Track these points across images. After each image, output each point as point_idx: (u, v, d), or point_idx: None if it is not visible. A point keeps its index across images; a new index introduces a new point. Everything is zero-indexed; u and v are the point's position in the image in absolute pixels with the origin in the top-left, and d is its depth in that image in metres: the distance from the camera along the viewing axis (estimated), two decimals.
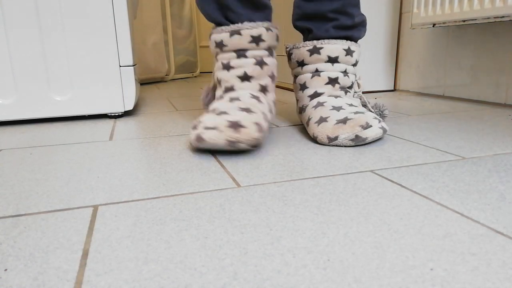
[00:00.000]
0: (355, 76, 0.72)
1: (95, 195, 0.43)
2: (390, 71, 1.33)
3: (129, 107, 0.93)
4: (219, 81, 0.67)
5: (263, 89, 0.66)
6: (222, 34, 0.65)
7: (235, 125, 0.54)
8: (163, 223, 0.36)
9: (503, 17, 0.85)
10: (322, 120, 0.63)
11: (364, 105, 0.75)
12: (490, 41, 1.00)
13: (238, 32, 0.63)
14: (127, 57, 0.90)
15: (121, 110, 0.92)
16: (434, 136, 0.66)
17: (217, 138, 0.53)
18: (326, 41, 0.68)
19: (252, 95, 0.64)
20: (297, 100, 0.74)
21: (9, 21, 0.83)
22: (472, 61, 1.06)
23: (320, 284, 0.26)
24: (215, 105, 0.64)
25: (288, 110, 0.99)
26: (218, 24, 0.67)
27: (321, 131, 0.62)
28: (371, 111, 0.73)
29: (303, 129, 0.75)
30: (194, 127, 0.58)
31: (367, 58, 1.29)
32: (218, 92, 0.68)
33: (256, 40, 0.64)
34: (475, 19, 0.92)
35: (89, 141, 0.70)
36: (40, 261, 0.30)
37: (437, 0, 1.03)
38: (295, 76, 0.73)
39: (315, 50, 0.68)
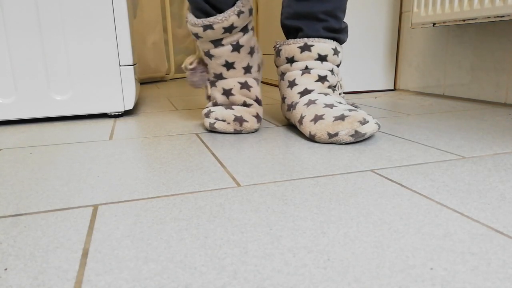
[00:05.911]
0: (338, 76, 0.76)
1: (95, 194, 0.43)
2: (390, 71, 1.33)
3: (129, 106, 0.93)
4: (205, 61, 0.74)
5: (247, 70, 0.72)
6: (195, 28, 0.68)
7: (240, 120, 0.70)
8: (163, 222, 0.36)
9: (503, 16, 0.85)
10: (318, 117, 0.64)
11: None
12: (490, 41, 1.00)
13: (210, 27, 0.67)
14: (127, 57, 0.90)
15: (121, 109, 0.92)
16: (434, 136, 0.66)
17: (226, 128, 0.71)
18: (316, 39, 0.70)
19: (240, 83, 0.73)
20: (284, 98, 0.75)
21: (9, 21, 0.83)
22: (472, 60, 1.06)
23: (320, 283, 0.26)
24: (214, 94, 0.75)
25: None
26: (197, 8, 0.68)
27: (319, 128, 0.63)
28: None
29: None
30: (207, 115, 0.73)
31: (367, 58, 1.29)
32: (210, 73, 0.75)
33: (229, 29, 0.67)
34: (475, 19, 0.92)
35: (89, 140, 0.70)
36: (40, 260, 0.30)
37: None
38: (283, 74, 0.74)
39: (306, 47, 0.70)
